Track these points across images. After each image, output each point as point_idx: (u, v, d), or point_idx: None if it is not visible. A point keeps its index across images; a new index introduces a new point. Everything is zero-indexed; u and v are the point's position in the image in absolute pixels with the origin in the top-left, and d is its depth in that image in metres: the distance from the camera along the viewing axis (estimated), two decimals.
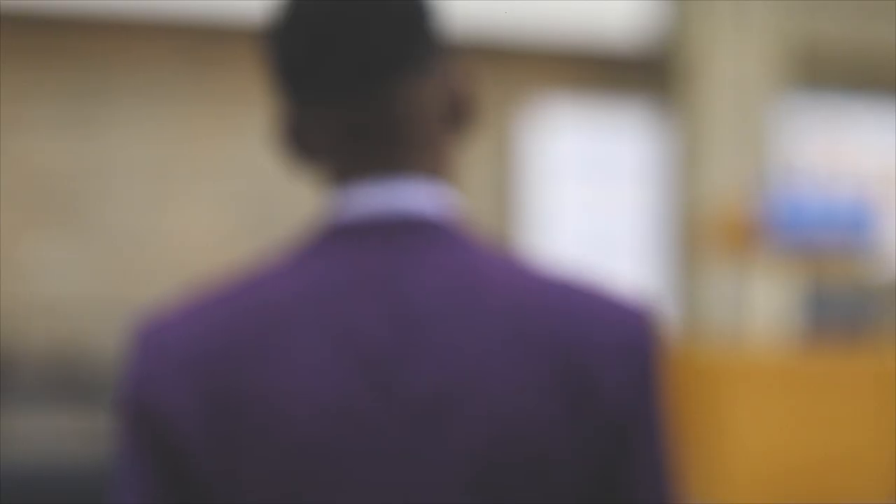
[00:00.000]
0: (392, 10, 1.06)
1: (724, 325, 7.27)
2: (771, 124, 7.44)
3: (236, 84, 7.04)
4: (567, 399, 1.00)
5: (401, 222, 1.05)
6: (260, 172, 7.07)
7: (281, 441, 0.96)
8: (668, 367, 1.11)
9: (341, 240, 1.04)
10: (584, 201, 7.62)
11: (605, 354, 1.03)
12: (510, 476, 0.98)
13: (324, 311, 0.99)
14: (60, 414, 6.63)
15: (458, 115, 1.13)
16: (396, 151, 1.08)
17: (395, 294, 1.00)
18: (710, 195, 7.25)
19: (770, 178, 7.33)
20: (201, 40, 6.98)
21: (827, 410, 5.06)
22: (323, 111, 1.08)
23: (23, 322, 6.67)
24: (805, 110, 7.92)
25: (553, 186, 7.56)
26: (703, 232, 7.27)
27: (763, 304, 5.85)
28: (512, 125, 7.51)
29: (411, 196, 1.07)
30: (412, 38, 1.07)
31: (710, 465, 4.92)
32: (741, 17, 7.44)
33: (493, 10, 7.18)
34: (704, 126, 7.34)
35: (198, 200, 6.96)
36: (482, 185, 7.47)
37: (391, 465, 0.96)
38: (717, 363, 4.90)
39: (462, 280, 1.02)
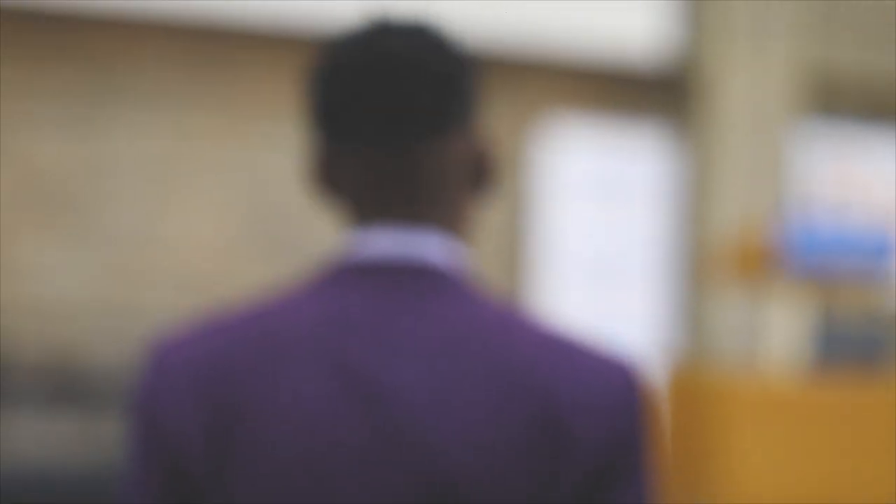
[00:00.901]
0: (432, 69, 1.12)
1: (735, 352, 7.21)
2: (785, 150, 7.41)
3: (241, 86, 6.99)
4: (541, 449, 1.05)
5: (409, 268, 1.12)
6: (263, 175, 7.02)
7: (269, 459, 1.05)
8: (655, 427, 1.14)
9: (350, 279, 1.11)
10: (595, 221, 7.57)
11: (585, 410, 1.07)
12: None
13: (321, 345, 1.07)
14: (57, 417, 6.57)
15: (480, 176, 1.19)
16: (417, 203, 1.14)
17: (389, 336, 1.08)
18: (722, 220, 7.21)
19: (784, 204, 7.28)
20: (205, 41, 6.93)
21: (839, 441, 4.98)
22: (352, 154, 1.14)
23: (21, 324, 6.61)
24: (818, 137, 7.90)
25: (564, 205, 7.51)
26: (716, 257, 7.22)
27: (776, 332, 5.76)
28: (525, 142, 7.47)
29: (424, 246, 1.14)
30: (448, 99, 1.13)
31: (717, 496, 4.84)
32: (757, 42, 7.41)
33: (508, 25, 7.13)
34: (718, 149, 7.30)
35: (200, 202, 6.91)
36: (493, 201, 7.42)
37: (369, 486, 1.04)
38: (727, 392, 4.83)
39: (455, 328, 1.09)
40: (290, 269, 7.05)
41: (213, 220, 6.93)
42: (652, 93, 7.73)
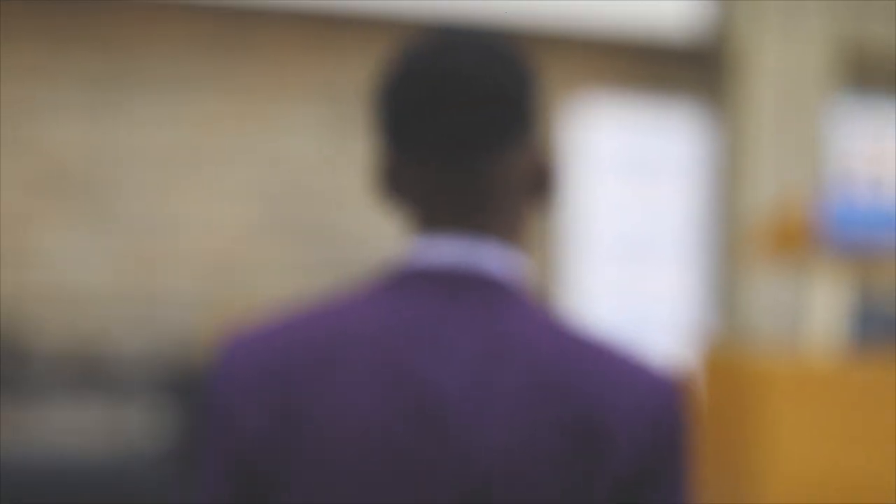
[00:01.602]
0: (498, 85, 1.17)
1: (772, 331, 7.09)
2: (819, 125, 7.29)
3: (262, 71, 6.89)
4: (577, 456, 1.10)
5: (468, 278, 1.17)
6: (284, 162, 6.93)
7: (322, 460, 1.11)
8: (693, 439, 1.18)
9: (409, 286, 1.17)
10: (628, 199, 7.45)
11: (625, 419, 1.11)
12: None
13: (376, 351, 1.13)
14: (80, 405, 6.51)
15: (540, 188, 1.24)
16: (479, 214, 1.20)
17: (442, 344, 1.13)
18: (757, 197, 7.08)
19: (820, 180, 7.17)
20: (225, 23, 6.83)
21: (879, 421, 4.84)
22: (417, 165, 1.19)
23: (43, 312, 6.55)
24: (852, 113, 7.78)
25: (597, 183, 7.39)
26: (752, 234, 7.11)
27: (814, 310, 5.63)
28: (555, 118, 7.36)
29: (483, 256, 1.19)
30: (514, 116, 1.18)
31: (753, 480, 4.71)
32: (791, 17, 7.26)
33: (538, 0, 7.00)
34: (751, 125, 7.18)
35: (221, 188, 6.82)
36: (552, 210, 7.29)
37: (414, 484, 1.10)
38: (764, 371, 4.70)
39: (506, 338, 1.14)
40: (311, 255, 6.95)
41: (235, 205, 6.85)
42: (685, 68, 7.60)
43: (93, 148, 6.67)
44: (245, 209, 6.86)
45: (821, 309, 5.08)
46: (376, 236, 7.06)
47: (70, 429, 6.54)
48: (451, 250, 1.19)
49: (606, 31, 7.37)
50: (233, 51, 6.88)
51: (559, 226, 7.39)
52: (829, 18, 7.39)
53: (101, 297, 6.65)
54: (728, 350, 4.88)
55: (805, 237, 4.64)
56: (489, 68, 1.18)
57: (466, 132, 1.17)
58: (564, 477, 1.10)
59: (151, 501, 5.69)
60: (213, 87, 6.85)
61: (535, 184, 1.25)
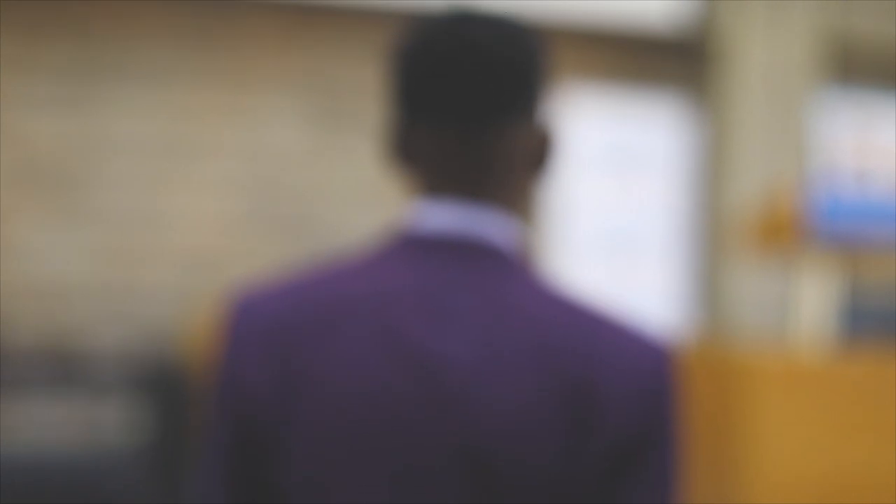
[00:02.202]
0: (509, 58, 1.21)
1: (758, 325, 7.04)
2: (804, 116, 7.24)
3: (242, 63, 6.80)
4: (572, 422, 1.13)
5: (468, 245, 1.21)
6: (264, 155, 6.85)
7: (323, 418, 1.14)
8: (684, 402, 1.21)
9: (411, 251, 1.21)
10: (612, 192, 7.39)
11: (619, 385, 1.14)
12: (510, 480, 1.13)
13: (379, 313, 1.17)
14: (57, 400, 6.42)
15: (542, 159, 1.28)
16: (482, 182, 1.23)
17: (441, 308, 1.17)
18: (742, 189, 7.03)
19: (806, 172, 7.12)
20: (205, 16, 6.73)
21: (867, 416, 4.79)
22: (427, 131, 1.23)
23: (19, 306, 6.45)
24: (837, 104, 7.74)
25: (579, 175, 7.32)
26: (738, 227, 7.05)
27: (802, 303, 5.58)
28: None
29: (484, 224, 1.22)
30: (522, 88, 1.22)
31: (739, 476, 4.65)
32: (775, 9, 7.21)
33: None
34: (737, 117, 7.13)
35: (200, 183, 6.74)
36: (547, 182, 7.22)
37: (414, 444, 1.13)
38: (750, 366, 4.65)
39: (504, 304, 1.17)
40: (292, 248, 6.87)
41: (216, 198, 6.76)
42: (669, 61, 7.55)
43: (70, 140, 6.57)
44: (225, 202, 6.78)
45: (809, 302, 5.03)
46: (357, 229, 6.97)
47: (46, 423, 6.45)
48: (452, 217, 1.23)
49: (591, 23, 7.31)
50: (213, 42, 6.78)
51: (543, 219, 7.31)
52: (814, 11, 7.34)
53: (79, 291, 6.56)
54: (714, 345, 4.82)
55: (792, 230, 4.58)
56: (502, 41, 1.22)
57: (477, 101, 1.21)
58: (560, 439, 1.13)
59: (128, 496, 5.61)
60: (193, 79, 6.75)
61: (538, 156, 1.28)
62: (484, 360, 1.15)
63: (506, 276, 1.20)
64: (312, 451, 1.16)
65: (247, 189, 6.81)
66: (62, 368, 5.76)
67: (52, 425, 6.46)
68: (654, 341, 1.19)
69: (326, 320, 1.18)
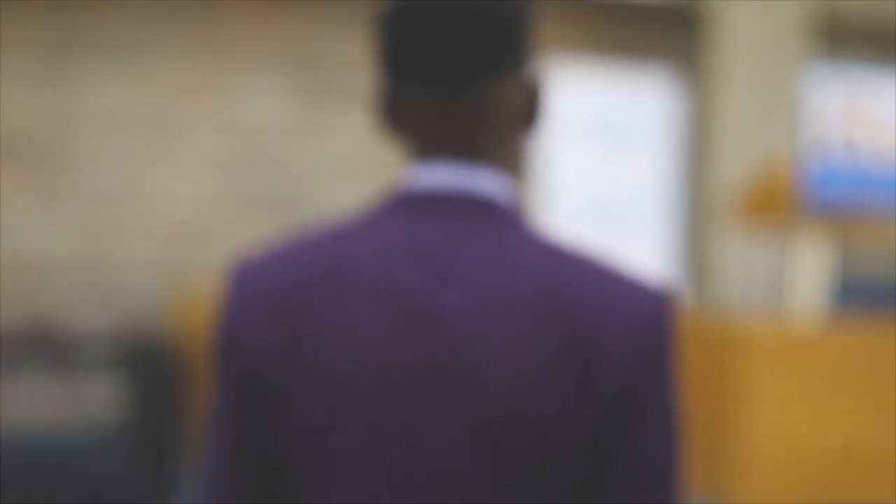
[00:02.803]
0: (492, 14, 1.19)
1: (749, 297, 6.99)
2: (793, 86, 7.18)
3: (223, 36, 6.68)
4: (574, 372, 1.13)
5: (463, 199, 1.20)
6: (246, 129, 6.74)
7: (327, 371, 1.15)
8: (679, 349, 1.21)
9: (407, 209, 1.20)
10: (599, 164, 7.31)
11: (617, 335, 1.15)
12: (514, 430, 1.13)
13: (378, 271, 1.17)
14: (34, 377, 6.34)
15: (531, 114, 1.27)
16: (473, 141, 1.23)
17: (441, 264, 1.17)
18: (731, 159, 6.97)
19: (797, 141, 7.07)
20: None
21: (860, 387, 4.74)
22: (416, 94, 1.22)
23: None
24: (826, 73, 7.69)
25: (567, 146, 7.23)
26: (729, 198, 7.00)
27: (795, 275, 5.52)
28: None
29: (478, 180, 1.22)
30: (507, 45, 1.21)
31: (731, 446, 4.60)
32: None
33: None
34: (724, 87, 7.06)
35: (181, 159, 6.64)
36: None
37: (420, 403, 1.14)
38: (742, 338, 4.60)
39: (503, 257, 1.17)
40: (275, 223, 6.78)
41: (196, 174, 6.66)
42: (657, 30, 7.46)
43: (49, 116, 6.45)
44: (206, 178, 6.68)
45: (802, 273, 4.97)
46: (340, 204, 6.88)
47: (28, 402, 6.36)
48: (447, 175, 1.23)
49: None
50: (193, 16, 6.66)
51: (530, 190, 7.24)
52: None
53: (59, 268, 6.46)
54: (705, 317, 4.76)
55: (786, 200, 4.51)
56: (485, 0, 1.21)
57: (462, 61, 1.20)
58: (562, 391, 1.14)
59: (112, 472, 5.54)
60: (173, 53, 6.63)
61: (527, 111, 1.27)
62: (484, 316, 1.15)
63: (502, 229, 1.20)
64: (318, 410, 1.16)
65: (228, 164, 6.71)
66: (43, 346, 5.68)
67: (34, 403, 6.37)
68: (650, 289, 1.20)
69: (326, 280, 1.19)
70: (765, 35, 7.16)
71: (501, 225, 1.21)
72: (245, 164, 6.74)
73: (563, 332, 1.15)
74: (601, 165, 7.33)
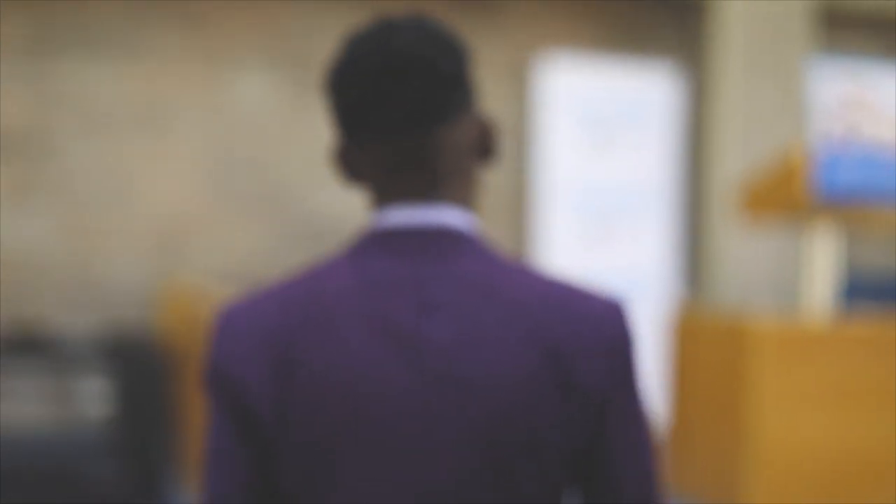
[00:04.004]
0: (437, 63, 1.24)
1: (756, 291, 6.88)
2: (796, 79, 7.06)
3: (212, 31, 6.52)
4: (555, 383, 1.22)
5: (430, 231, 1.27)
6: (234, 124, 6.58)
7: (324, 402, 1.20)
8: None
9: (381, 244, 1.27)
10: (600, 153, 7.16)
11: (589, 347, 1.24)
12: (506, 443, 1.20)
13: (364, 302, 1.22)
14: (22, 374, 6.18)
15: (485, 148, 1.33)
16: (431, 184, 1.28)
17: (422, 290, 1.23)
18: (732, 149, 6.84)
19: (803, 133, 6.95)
20: None
21: (865, 380, 4.61)
22: (370, 147, 1.28)
23: None
24: (826, 67, 7.58)
25: (568, 136, 7.09)
26: (732, 190, 6.88)
27: (807, 266, 5.41)
28: (525, 74, 7.04)
29: (441, 214, 1.28)
30: (452, 91, 1.26)
31: (741, 444, 4.47)
32: None
33: None
34: (725, 80, 6.92)
35: (168, 153, 6.47)
36: (503, 121, 6.99)
37: (411, 428, 1.19)
38: (751, 329, 4.47)
39: (477, 281, 1.25)
40: (263, 219, 6.62)
41: (183, 168, 6.50)
42: (658, 22, 7.32)
43: (33, 110, 6.27)
44: (194, 177, 6.52)
45: (815, 265, 4.84)
46: (327, 200, 6.73)
47: (13, 402, 6.20)
48: (410, 214, 1.28)
49: None
50: (181, 10, 6.49)
51: (530, 181, 7.09)
52: None
53: (44, 268, 6.29)
54: (712, 309, 4.62)
55: (799, 191, 4.36)
56: (425, 48, 1.25)
57: (411, 113, 1.25)
58: (547, 400, 1.22)
59: (97, 473, 5.41)
60: (162, 51, 6.46)
61: (480, 146, 1.33)
62: (467, 337, 1.21)
63: (472, 256, 1.27)
64: (316, 437, 1.20)
65: (215, 163, 6.55)
66: (29, 347, 5.52)
67: (20, 404, 6.21)
68: (610, 301, 1.29)
69: (313, 314, 1.23)
70: (766, 26, 7.04)
71: (471, 252, 1.27)
72: (232, 163, 6.58)
73: (541, 347, 1.23)
74: (602, 160, 7.18)
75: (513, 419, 1.20)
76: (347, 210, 6.74)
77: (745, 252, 6.90)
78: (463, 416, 1.20)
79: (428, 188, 1.29)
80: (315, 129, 6.71)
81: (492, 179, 7.02)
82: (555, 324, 1.24)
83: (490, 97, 7.02)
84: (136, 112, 6.43)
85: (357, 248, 1.28)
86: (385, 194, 1.30)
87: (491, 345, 1.21)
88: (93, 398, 6.34)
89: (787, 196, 4.46)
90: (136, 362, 5.42)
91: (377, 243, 1.27)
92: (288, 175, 6.67)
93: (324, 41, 6.72)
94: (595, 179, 7.16)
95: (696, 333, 4.87)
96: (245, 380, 1.23)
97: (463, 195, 1.32)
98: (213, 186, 6.54)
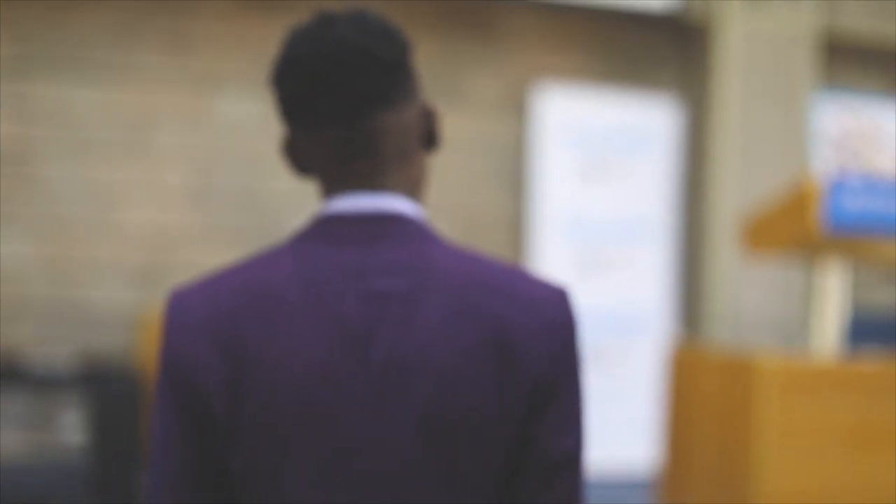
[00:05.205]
0: (378, 53, 1.29)
1: (760, 327, 6.75)
2: (799, 110, 6.95)
3: (196, 30, 6.38)
4: (497, 366, 1.26)
5: (377, 217, 1.31)
6: (218, 126, 6.43)
7: (273, 389, 1.23)
8: (581, 342, 1.40)
9: (327, 231, 1.30)
10: (598, 180, 7.03)
11: (531, 331, 1.28)
12: (449, 426, 1.24)
13: (309, 290, 1.26)
14: (1, 395, 6.01)
15: (429, 134, 1.38)
16: (375, 169, 1.33)
17: (365, 278, 1.27)
18: (734, 187, 6.71)
19: (809, 165, 6.83)
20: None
21: (873, 419, 4.48)
22: (314, 137, 1.33)
23: None
24: (827, 98, 7.49)
25: (567, 162, 6.95)
26: (736, 224, 6.75)
27: (819, 300, 5.29)
28: (528, 102, 6.92)
29: (385, 201, 1.33)
30: (392, 79, 1.30)
31: (746, 471, 4.32)
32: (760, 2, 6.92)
33: None
34: (728, 111, 6.80)
35: (153, 156, 6.32)
36: (501, 151, 6.85)
37: (359, 413, 1.23)
38: (756, 365, 4.34)
39: (421, 267, 1.28)
40: (248, 222, 6.45)
41: (168, 172, 6.34)
42: (659, 45, 7.21)
43: (12, 130, 6.12)
44: (176, 198, 6.36)
45: (825, 298, 4.72)
46: (313, 202, 6.57)
47: None
48: (356, 202, 1.31)
49: (584, 4, 6.96)
50: (170, 33, 6.35)
51: (526, 210, 6.95)
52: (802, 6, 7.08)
53: (21, 290, 6.11)
54: (706, 345, 4.47)
55: (810, 223, 4.22)
56: (363, 36, 1.29)
57: (351, 101, 1.28)
58: (490, 382, 1.25)
59: (72, 497, 5.26)
60: (147, 69, 6.32)
61: (423, 134, 1.37)
62: (412, 323, 1.24)
63: (418, 242, 1.29)
64: (265, 423, 1.22)
65: (199, 182, 6.39)
66: (7, 376, 5.34)
67: None
68: (553, 287, 1.32)
69: (260, 301, 1.25)
70: (768, 57, 6.94)
71: (417, 237, 1.30)
72: (217, 186, 6.43)
73: (483, 331, 1.25)
74: (600, 191, 7.04)
75: (454, 404, 1.23)
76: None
77: (744, 288, 6.77)
78: (404, 402, 1.23)
79: (373, 175, 1.32)
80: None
81: (488, 207, 6.89)
82: (497, 308, 1.27)
83: (488, 126, 6.89)
84: (119, 134, 6.28)
85: (303, 235, 1.30)
86: (331, 183, 1.33)
87: (433, 330, 1.24)
88: (70, 426, 6.15)
89: (799, 228, 4.31)
90: (115, 390, 5.30)
91: (323, 231, 1.29)
92: (273, 199, 6.51)
93: None
94: (592, 210, 7.03)
95: (695, 369, 4.70)
96: (195, 365, 1.24)
97: (408, 182, 1.35)
98: (197, 210, 6.38)
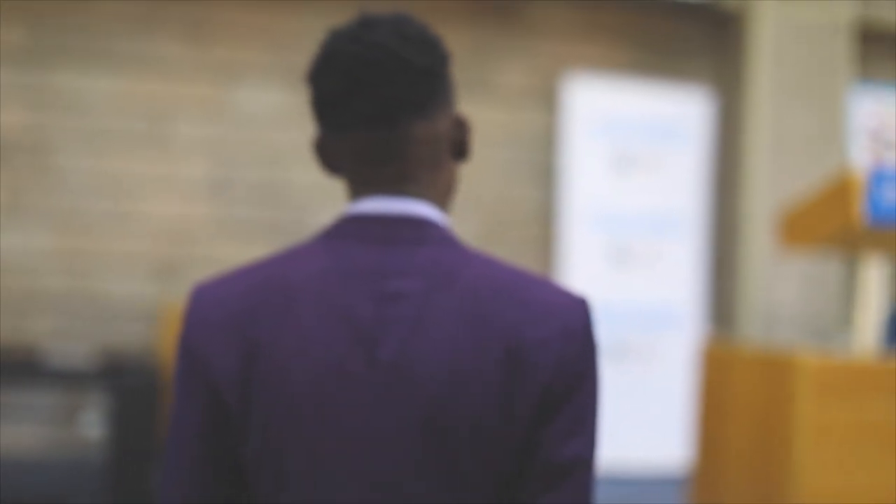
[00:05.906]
0: (412, 62, 1.30)
1: (789, 324, 6.63)
2: (835, 104, 6.81)
3: (215, 22, 6.29)
4: (506, 370, 1.26)
5: (401, 221, 1.32)
6: (238, 117, 6.34)
7: (282, 386, 1.26)
8: (599, 350, 1.54)
9: (350, 232, 1.32)
10: (629, 179, 6.90)
11: (542, 337, 1.28)
12: (451, 427, 1.25)
13: (325, 290, 1.28)
14: (20, 391, 5.94)
15: (460, 145, 1.39)
16: (405, 179, 1.34)
17: (383, 279, 1.28)
18: (763, 181, 6.57)
19: (846, 157, 6.67)
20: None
21: None
22: (346, 139, 1.34)
23: None
24: (861, 89, 7.33)
25: (600, 153, 6.82)
26: (764, 220, 6.62)
27: (862, 295, 5.14)
28: (559, 93, 6.80)
29: (410, 205, 1.34)
30: (427, 87, 1.32)
31: (783, 472, 4.19)
32: None
33: None
34: (762, 105, 6.66)
35: (172, 147, 6.24)
36: (531, 143, 6.73)
37: (363, 412, 1.25)
38: (794, 362, 4.21)
39: (439, 271, 1.29)
40: (267, 214, 6.36)
41: (187, 164, 6.25)
42: (691, 45, 7.08)
43: (29, 121, 6.04)
44: (195, 190, 6.27)
45: (867, 293, 4.58)
46: (333, 195, 6.47)
47: (9, 419, 5.95)
48: (382, 204, 1.33)
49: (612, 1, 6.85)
50: (187, 22, 6.28)
51: (557, 202, 6.83)
52: None
53: (40, 284, 6.03)
54: (739, 342, 4.34)
55: (853, 215, 4.09)
56: (401, 43, 1.30)
57: (386, 106, 1.29)
58: (495, 393, 1.25)
59: (92, 491, 5.20)
60: (165, 59, 6.24)
61: (454, 144, 1.37)
62: (425, 326, 1.25)
63: (439, 246, 1.31)
64: (275, 419, 1.24)
65: (218, 175, 6.31)
66: (26, 370, 5.27)
67: (16, 422, 5.95)
68: (571, 295, 1.32)
69: (278, 298, 1.28)
70: (803, 49, 6.79)
71: (438, 242, 1.31)
72: (236, 178, 6.34)
73: (495, 337, 1.26)
74: (631, 183, 6.91)
75: (457, 406, 1.24)
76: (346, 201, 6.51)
77: (776, 283, 6.64)
78: (408, 403, 1.24)
79: (401, 180, 1.33)
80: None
81: (518, 199, 6.77)
82: (511, 314, 1.27)
83: (518, 117, 6.77)
84: (137, 125, 6.20)
85: (328, 233, 1.33)
86: (360, 185, 1.35)
87: (443, 333, 1.25)
88: (90, 420, 6.08)
89: (842, 220, 4.17)
90: (134, 384, 5.23)
91: (347, 231, 1.31)
92: (293, 191, 6.42)
93: (328, 27, 6.49)
94: (623, 203, 6.90)
95: (729, 366, 4.57)
96: (212, 357, 1.27)
97: (436, 190, 1.36)
98: (217, 202, 6.29)
